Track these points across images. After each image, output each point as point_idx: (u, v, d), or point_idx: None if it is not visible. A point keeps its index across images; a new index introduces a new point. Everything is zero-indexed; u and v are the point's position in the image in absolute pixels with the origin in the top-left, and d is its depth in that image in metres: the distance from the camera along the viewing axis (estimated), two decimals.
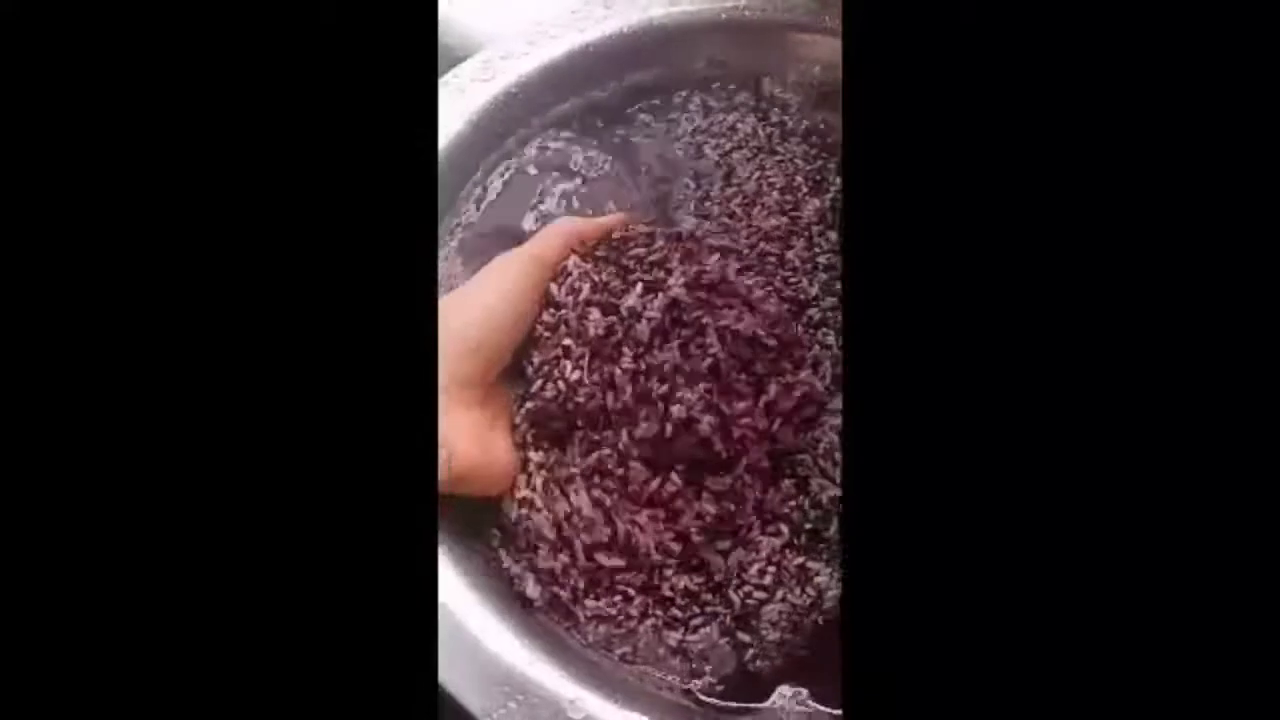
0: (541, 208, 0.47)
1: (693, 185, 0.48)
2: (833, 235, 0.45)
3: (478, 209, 0.47)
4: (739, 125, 0.50)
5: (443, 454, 0.33)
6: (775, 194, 0.46)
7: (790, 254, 0.44)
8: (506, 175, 0.48)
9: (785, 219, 0.45)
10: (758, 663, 0.36)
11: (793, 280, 0.43)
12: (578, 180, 0.48)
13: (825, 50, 0.50)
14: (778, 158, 0.48)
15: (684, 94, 0.51)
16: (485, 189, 0.48)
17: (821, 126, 0.50)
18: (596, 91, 0.51)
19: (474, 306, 0.36)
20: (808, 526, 0.38)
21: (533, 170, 0.49)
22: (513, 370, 0.38)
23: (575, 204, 0.47)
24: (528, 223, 0.47)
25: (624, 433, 0.36)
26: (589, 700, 0.33)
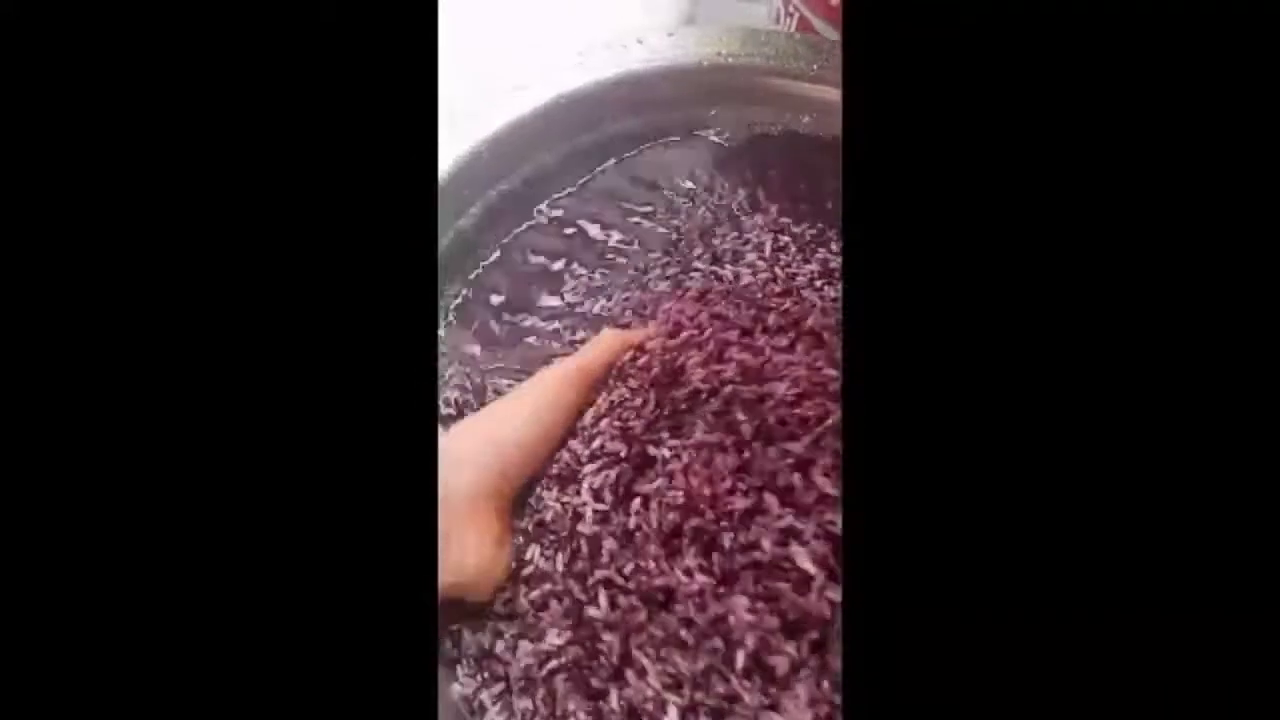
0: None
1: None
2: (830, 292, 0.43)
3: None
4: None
5: (459, 556, 0.34)
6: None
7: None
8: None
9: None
10: None
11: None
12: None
13: (816, 97, 0.48)
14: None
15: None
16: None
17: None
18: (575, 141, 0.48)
19: (520, 417, 0.36)
20: None
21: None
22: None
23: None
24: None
25: None
26: None
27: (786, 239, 0.45)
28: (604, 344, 0.38)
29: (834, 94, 0.47)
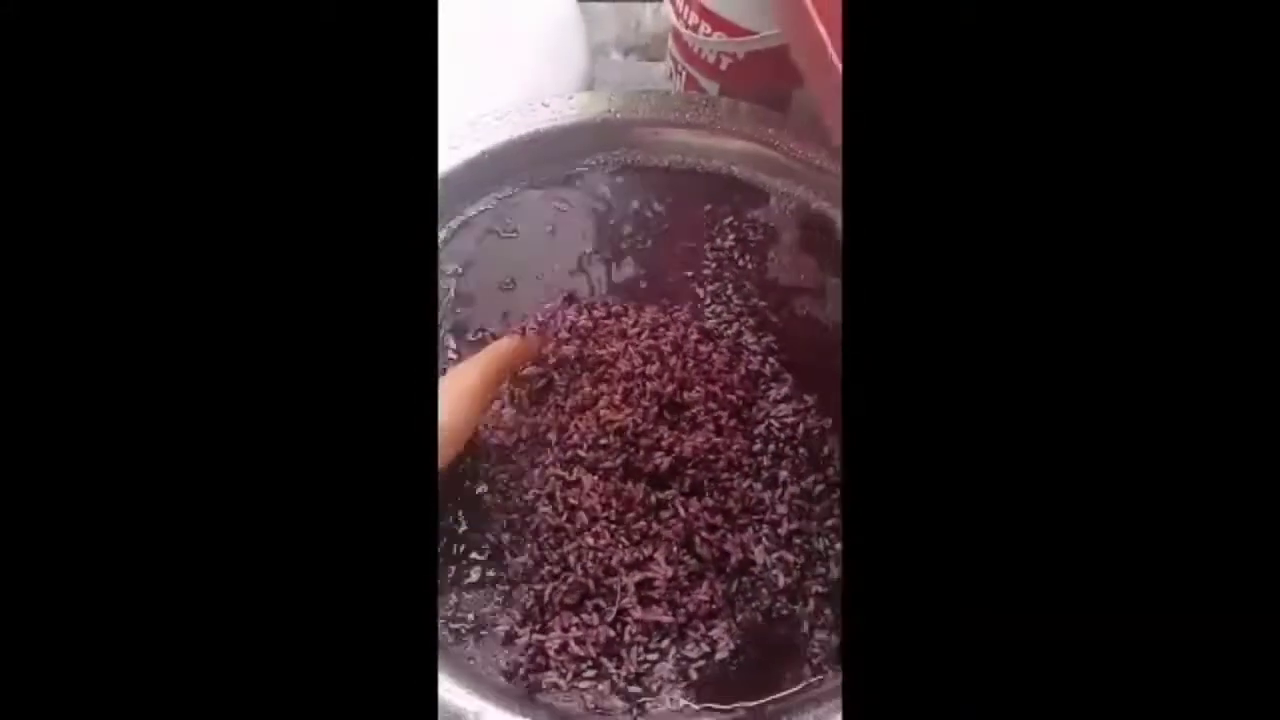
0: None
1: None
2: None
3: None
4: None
5: None
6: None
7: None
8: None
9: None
10: None
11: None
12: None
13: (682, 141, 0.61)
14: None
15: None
16: None
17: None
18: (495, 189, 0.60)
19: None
20: None
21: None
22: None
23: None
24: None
25: None
26: None
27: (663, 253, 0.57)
28: (501, 349, 0.47)
29: (701, 137, 0.61)
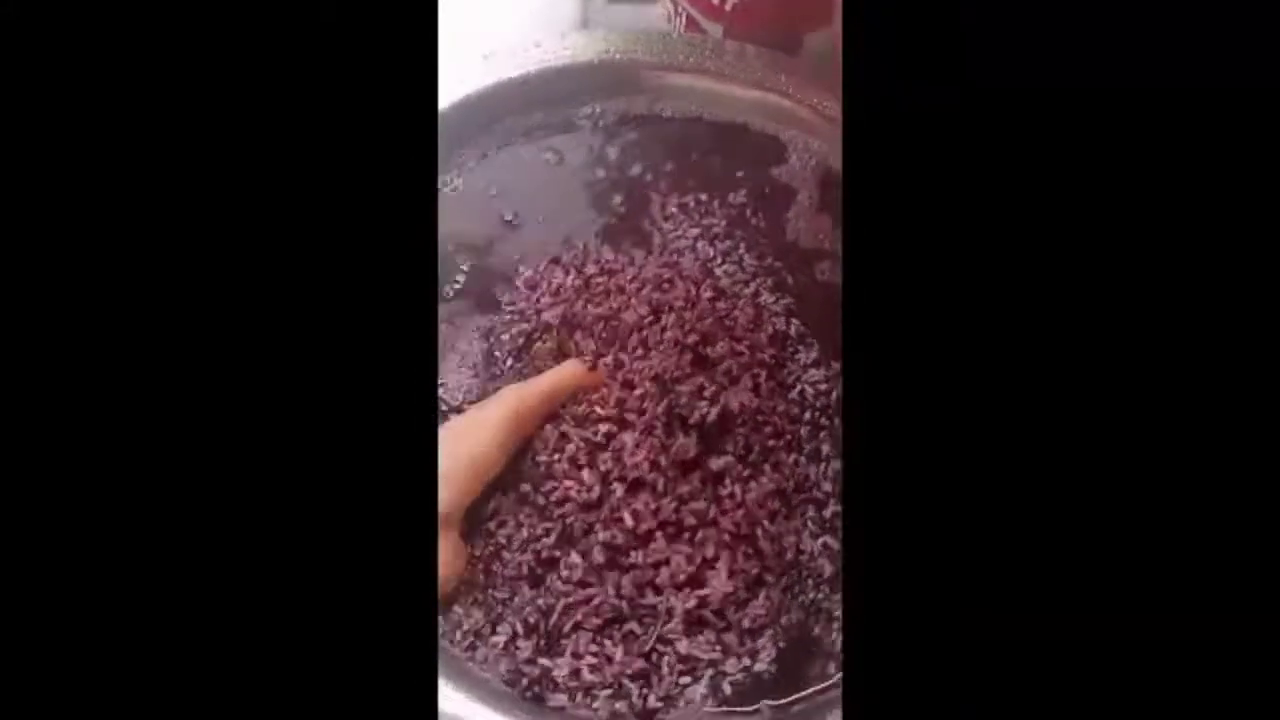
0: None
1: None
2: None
3: None
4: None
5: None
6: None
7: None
8: None
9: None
10: None
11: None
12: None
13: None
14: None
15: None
16: None
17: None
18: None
19: (459, 442, 0.39)
20: None
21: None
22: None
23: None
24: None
25: None
26: None
27: (672, 208, 0.52)
28: (565, 373, 0.42)
29: (705, 81, 0.55)
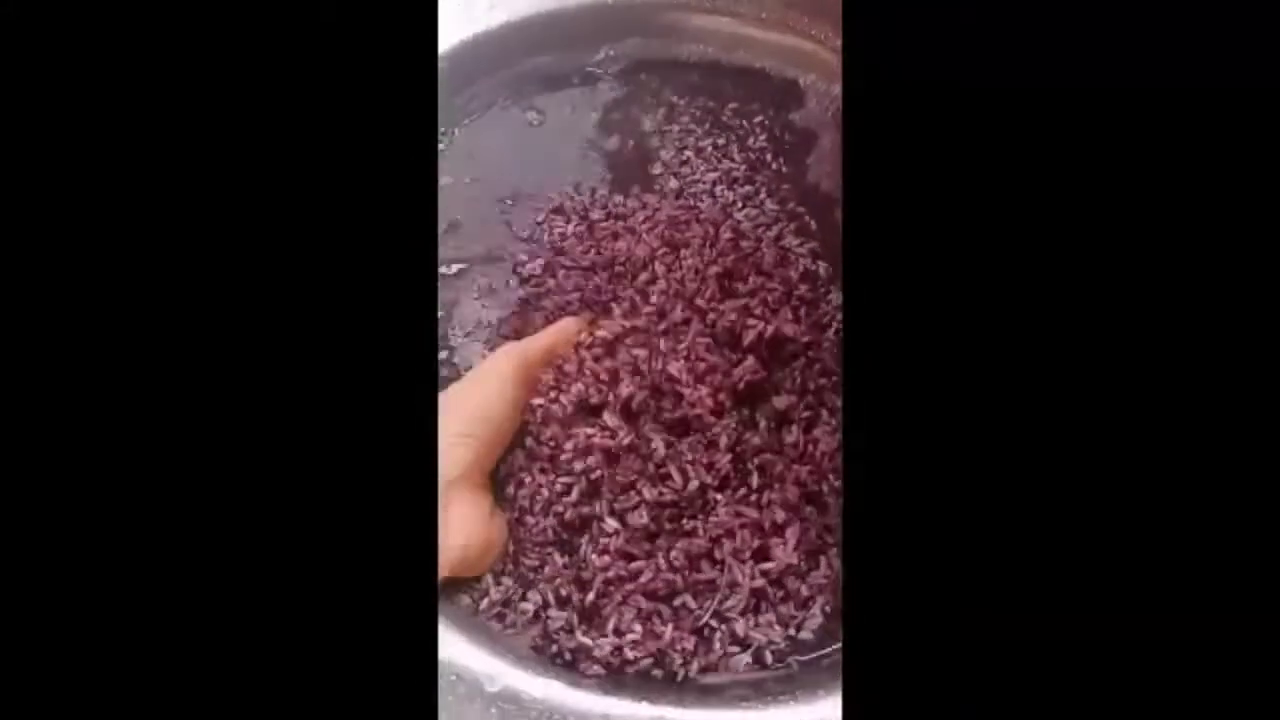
0: None
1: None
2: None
3: None
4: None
5: (458, 540, 0.34)
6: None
7: None
8: None
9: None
10: None
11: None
12: None
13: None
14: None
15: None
16: None
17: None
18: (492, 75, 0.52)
19: (469, 401, 0.37)
20: None
21: None
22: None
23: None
24: None
25: None
26: None
27: (689, 153, 0.50)
28: (564, 330, 0.40)
29: (726, 25, 0.53)
